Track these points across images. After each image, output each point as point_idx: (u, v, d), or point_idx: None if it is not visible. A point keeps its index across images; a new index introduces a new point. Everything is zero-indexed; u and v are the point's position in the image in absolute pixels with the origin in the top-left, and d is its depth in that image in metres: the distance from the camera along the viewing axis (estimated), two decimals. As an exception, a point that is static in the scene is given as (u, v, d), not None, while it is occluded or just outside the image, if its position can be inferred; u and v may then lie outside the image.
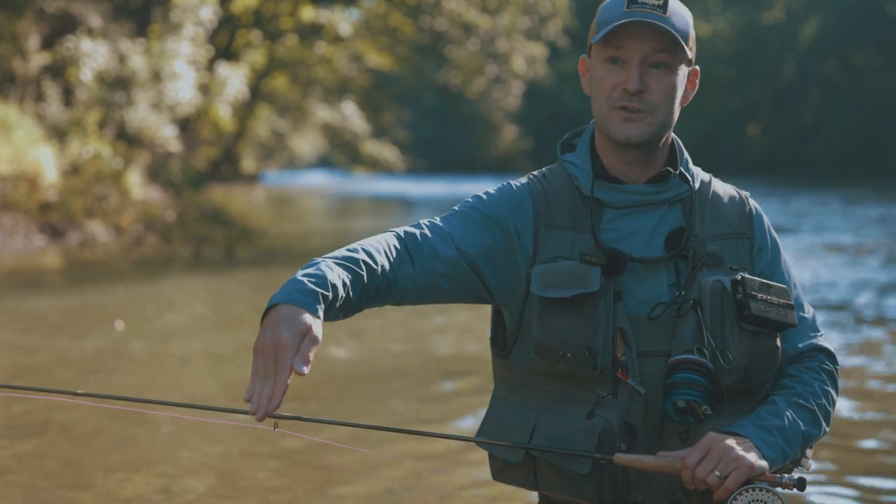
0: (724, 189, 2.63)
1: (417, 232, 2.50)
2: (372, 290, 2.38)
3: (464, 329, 9.22)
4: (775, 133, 48.02)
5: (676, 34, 2.44)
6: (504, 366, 2.58)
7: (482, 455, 2.61)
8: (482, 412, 2.66)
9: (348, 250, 2.39)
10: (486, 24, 32.87)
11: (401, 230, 2.50)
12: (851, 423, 6.01)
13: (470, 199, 2.59)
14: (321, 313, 2.25)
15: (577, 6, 41.95)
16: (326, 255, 2.37)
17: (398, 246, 2.45)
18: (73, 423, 5.84)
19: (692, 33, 2.52)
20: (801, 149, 46.79)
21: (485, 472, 2.66)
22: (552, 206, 2.55)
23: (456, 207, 2.58)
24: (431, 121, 64.90)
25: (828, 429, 2.52)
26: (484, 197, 2.58)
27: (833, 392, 2.54)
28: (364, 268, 2.36)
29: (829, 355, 2.58)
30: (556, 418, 2.47)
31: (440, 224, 2.53)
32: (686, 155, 2.61)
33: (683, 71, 2.50)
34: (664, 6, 2.45)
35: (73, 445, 5.46)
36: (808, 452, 2.52)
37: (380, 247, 2.42)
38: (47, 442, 5.51)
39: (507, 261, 2.52)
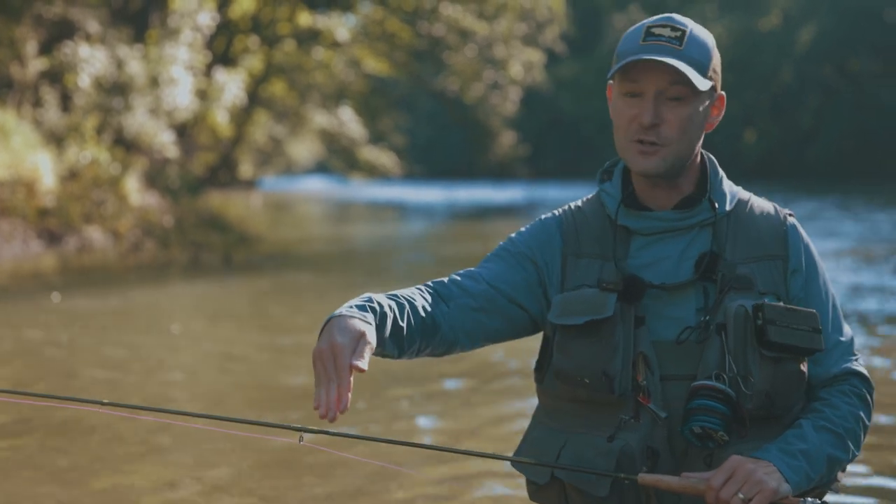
0: (761, 208, 2.62)
1: (445, 279, 2.60)
2: (418, 325, 2.45)
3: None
4: (773, 138, 48.07)
5: (692, 67, 2.45)
6: (540, 391, 2.65)
7: (516, 472, 2.65)
8: (514, 426, 2.70)
9: (385, 293, 2.47)
10: (483, 30, 32.89)
11: (429, 281, 2.60)
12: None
13: (501, 243, 2.66)
14: (373, 321, 2.33)
15: (574, 12, 42.02)
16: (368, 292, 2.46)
17: (429, 290, 2.55)
18: (72, 426, 5.84)
19: (715, 60, 2.51)
20: (798, 153, 46.83)
21: (517, 489, 2.69)
22: (582, 236, 2.59)
23: (488, 254, 2.67)
24: (429, 126, 64.93)
25: (857, 453, 2.51)
26: (514, 236, 2.66)
27: (864, 416, 2.53)
28: (406, 302, 2.45)
29: (864, 380, 2.56)
30: (579, 442, 2.50)
31: (470, 269, 2.62)
32: (721, 174, 2.61)
33: (703, 99, 2.50)
34: (681, 38, 2.46)
35: (75, 448, 5.46)
36: (840, 475, 2.51)
37: (413, 292, 2.51)
38: (47, 445, 5.51)
39: (542, 291, 2.58)
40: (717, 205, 2.55)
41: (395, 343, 2.41)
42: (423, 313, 2.46)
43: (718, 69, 2.52)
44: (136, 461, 5.28)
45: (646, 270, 2.52)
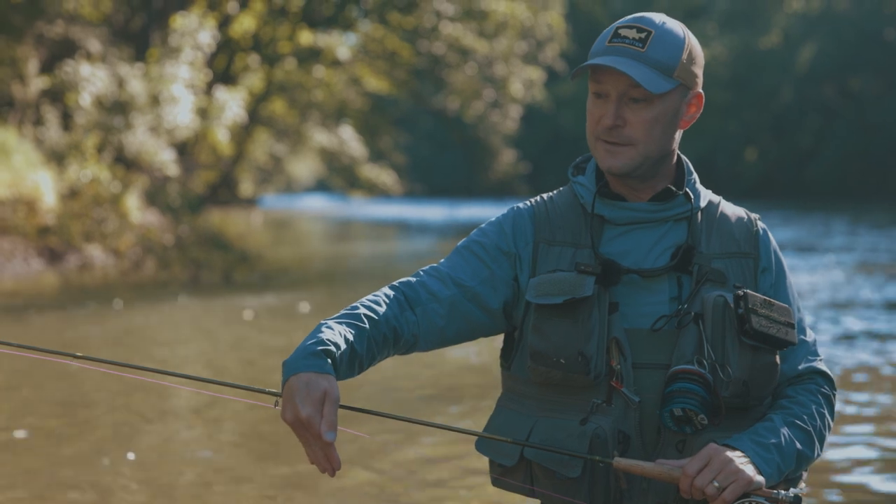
0: (732, 210, 2.66)
1: (414, 280, 2.58)
2: (378, 340, 2.46)
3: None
4: (773, 157, 48.11)
5: (654, 69, 2.46)
6: (507, 377, 2.63)
7: (482, 458, 2.66)
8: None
9: (348, 308, 2.48)
10: (483, 49, 32.96)
11: (397, 282, 2.58)
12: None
13: (472, 234, 2.65)
14: (331, 369, 2.33)
15: (574, 30, 42.13)
16: (328, 318, 2.46)
17: (396, 296, 2.54)
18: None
19: (687, 58, 2.50)
20: (798, 172, 46.86)
21: (480, 473, 2.69)
22: (554, 225, 2.59)
23: (458, 245, 2.65)
24: (429, 144, 65.01)
25: (821, 452, 2.54)
26: (484, 227, 2.65)
27: (829, 416, 2.56)
28: (366, 321, 2.45)
29: (828, 380, 2.60)
30: (550, 425, 2.50)
31: (438, 267, 2.60)
32: (694, 176, 2.63)
33: (672, 99, 2.51)
34: (645, 40, 2.47)
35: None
36: (804, 475, 2.53)
37: (379, 300, 2.51)
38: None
39: (508, 277, 2.57)
40: (693, 198, 2.58)
41: (355, 366, 2.43)
42: (384, 328, 2.47)
43: (695, 67, 2.53)
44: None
45: (618, 259, 2.53)
